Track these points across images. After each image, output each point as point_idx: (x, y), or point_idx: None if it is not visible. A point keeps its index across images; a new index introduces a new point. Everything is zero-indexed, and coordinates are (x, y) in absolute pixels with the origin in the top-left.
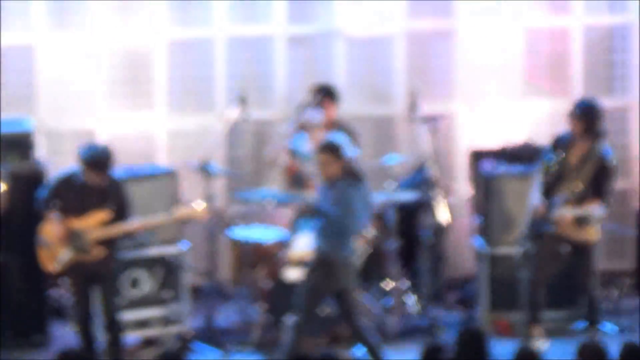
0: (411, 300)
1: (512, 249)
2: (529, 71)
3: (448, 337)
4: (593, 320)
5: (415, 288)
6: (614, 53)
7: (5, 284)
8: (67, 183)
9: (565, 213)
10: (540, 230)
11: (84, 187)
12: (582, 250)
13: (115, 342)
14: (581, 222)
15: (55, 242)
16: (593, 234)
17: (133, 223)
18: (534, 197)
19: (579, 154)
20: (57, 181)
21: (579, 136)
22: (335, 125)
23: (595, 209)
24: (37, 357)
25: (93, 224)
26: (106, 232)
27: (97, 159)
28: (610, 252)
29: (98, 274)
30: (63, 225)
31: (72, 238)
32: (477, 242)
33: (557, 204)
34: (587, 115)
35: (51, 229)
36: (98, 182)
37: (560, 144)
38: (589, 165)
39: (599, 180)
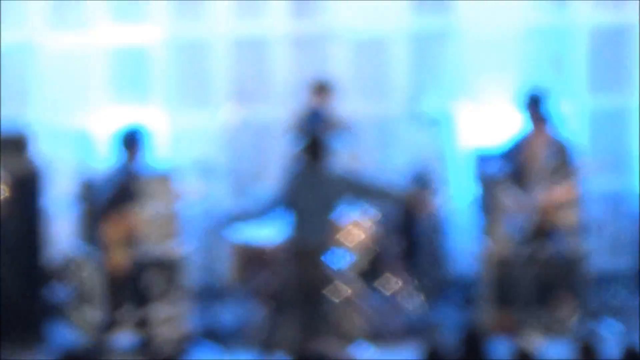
0: (411, 300)
1: (514, 248)
2: (529, 71)
3: (448, 337)
4: (585, 320)
5: (415, 288)
6: (614, 53)
7: (2, 284)
8: (118, 179)
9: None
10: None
11: (130, 180)
12: (559, 237)
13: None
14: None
15: (120, 241)
16: (567, 216)
17: None
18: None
19: (538, 143)
20: (112, 180)
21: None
22: (334, 124)
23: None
24: (33, 357)
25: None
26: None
27: (130, 136)
28: (610, 252)
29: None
30: (124, 223)
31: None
32: (479, 242)
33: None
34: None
35: (116, 228)
36: (134, 164)
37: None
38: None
39: (564, 161)
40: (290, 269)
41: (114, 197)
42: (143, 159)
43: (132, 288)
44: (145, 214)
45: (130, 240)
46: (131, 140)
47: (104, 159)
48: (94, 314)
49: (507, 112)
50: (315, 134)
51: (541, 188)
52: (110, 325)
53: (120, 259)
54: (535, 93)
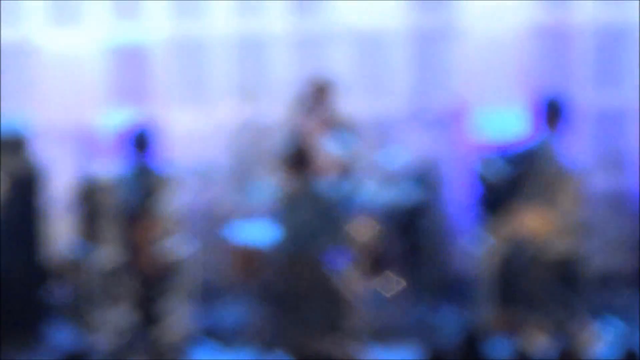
0: (411, 300)
1: (514, 248)
2: (530, 71)
3: (448, 337)
4: (585, 320)
5: (415, 287)
6: (614, 53)
7: (1, 284)
8: (139, 179)
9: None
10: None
11: (150, 180)
12: (532, 246)
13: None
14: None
15: (151, 240)
16: (539, 223)
17: None
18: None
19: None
20: (132, 180)
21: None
22: (336, 122)
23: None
24: (33, 357)
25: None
26: None
27: (141, 136)
28: (611, 252)
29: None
30: (153, 221)
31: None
32: (480, 241)
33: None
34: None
35: (147, 228)
36: (149, 163)
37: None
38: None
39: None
40: (289, 271)
41: (142, 197)
42: (155, 157)
43: (162, 286)
44: (168, 211)
45: (159, 238)
46: (142, 140)
47: (106, 158)
48: (93, 314)
49: (509, 111)
50: (299, 142)
51: (532, 208)
52: (146, 323)
53: (153, 258)
54: (553, 99)
